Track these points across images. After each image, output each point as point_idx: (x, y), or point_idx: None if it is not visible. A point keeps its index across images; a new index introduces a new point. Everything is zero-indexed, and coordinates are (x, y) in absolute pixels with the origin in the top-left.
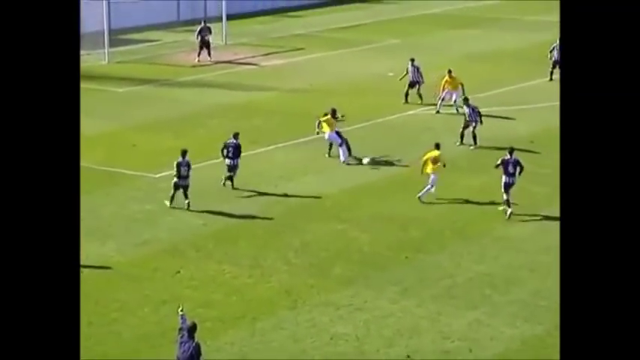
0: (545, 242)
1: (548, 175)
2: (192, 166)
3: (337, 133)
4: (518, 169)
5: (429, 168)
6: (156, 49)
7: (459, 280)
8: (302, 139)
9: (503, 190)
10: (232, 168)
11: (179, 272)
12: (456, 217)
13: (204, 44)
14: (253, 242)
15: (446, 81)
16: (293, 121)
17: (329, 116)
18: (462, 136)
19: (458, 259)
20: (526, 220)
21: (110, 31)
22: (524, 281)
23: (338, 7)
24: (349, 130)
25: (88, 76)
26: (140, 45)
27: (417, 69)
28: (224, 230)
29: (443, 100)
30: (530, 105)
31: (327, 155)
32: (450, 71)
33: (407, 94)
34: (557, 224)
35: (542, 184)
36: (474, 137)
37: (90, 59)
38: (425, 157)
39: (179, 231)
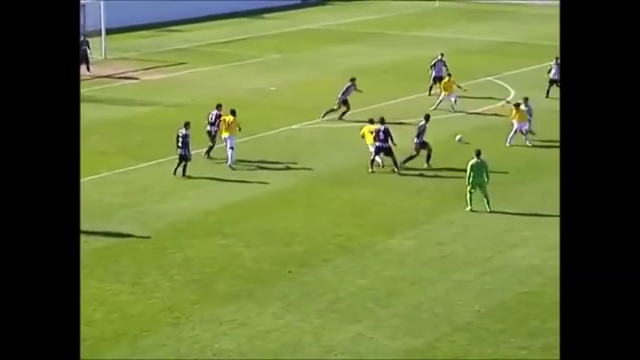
0: (425, 256)
1: (428, 188)
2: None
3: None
4: (389, 138)
5: (368, 139)
6: None
7: (341, 294)
8: None
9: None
10: (184, 158)
11: None
12: (339, 232)
13: (83, 58)
14: (135, 259)
15: (445, 84)
16: (175, 136)
17: (231, 117)
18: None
19: (341, 273)
20: (407, 235)
21: None
22: (406, 294)
23: (220, 22)
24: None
25: None
26: None
27: (445, 64)
28: (105, 247)
29: (440, 102)
30: (410, 119)
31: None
32: (449, 75)
33: (431, 88)
34: (437, 238)
35: (423, 198)
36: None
37: None
38: (363, 130)
39: None
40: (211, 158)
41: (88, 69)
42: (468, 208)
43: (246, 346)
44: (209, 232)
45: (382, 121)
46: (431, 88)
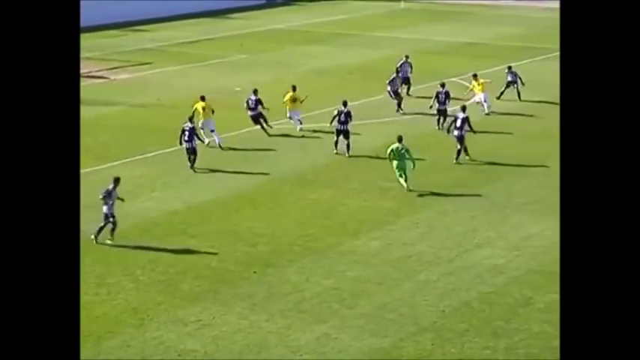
0: (390, 256)
1: (393, 189)
2: None
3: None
4: (349, 119)
5: (289, 106)
6: None
7: (307, 294)
8: (149, 154)
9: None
10: (191, 151)
11: None
12: (304, 232)
13: None
14: (99, 260)
15: (474, 85)
16: (140, 135)
17: (202, 102)
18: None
19: (306, 273)
20: (373, 235)
21: None
22: (371, 294)
23: (185, 22)
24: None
25: None
26: None
27: (410, 65)
28: None
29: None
30: (374, 120)
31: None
32: (475, 75)
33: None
34: (402, 238)
35: (388, 198)
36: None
37: None
38: (285, 98)
39: None
40: (270, 136)
41: None
42: (405, 188)
43: (211, 347)
44: (174, 232)
45: (345, 104)
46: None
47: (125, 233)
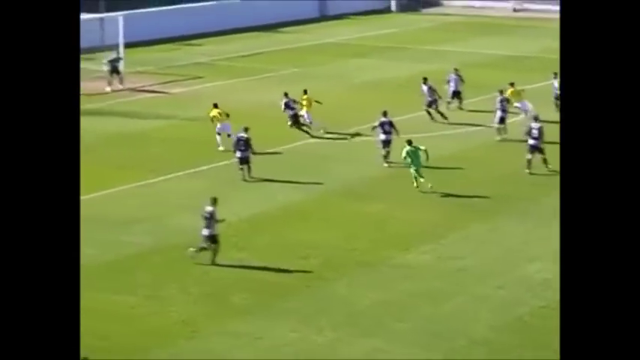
0: (441, 269)
1: (444, 202)
2: (91, 196)
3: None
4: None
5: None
6: None
7: (357, 307)
8: (201, 168)
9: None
10: (244, 160)
11: None
12: (354, 245)
13: (115, 71)
14: (151, 272)
15: (511, 93)
16: (192, 149)
17: (216, 109)
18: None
19: (356, 286)
20: (423, 248)
21: None
22: (422, 308)
23: (237, 36)
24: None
25: None
26: None
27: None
28: (121, 260)
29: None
30: (425, 133)
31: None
32: (512, 83)
33: (449, 103)
34: (452, 251)
35: (439, 211)
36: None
37: None
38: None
39: None
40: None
41: (121, 82)
42: (415, 185)
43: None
44: (225, 245)
45: (385, 114)
46: (449, 103)
47: (176, 246)
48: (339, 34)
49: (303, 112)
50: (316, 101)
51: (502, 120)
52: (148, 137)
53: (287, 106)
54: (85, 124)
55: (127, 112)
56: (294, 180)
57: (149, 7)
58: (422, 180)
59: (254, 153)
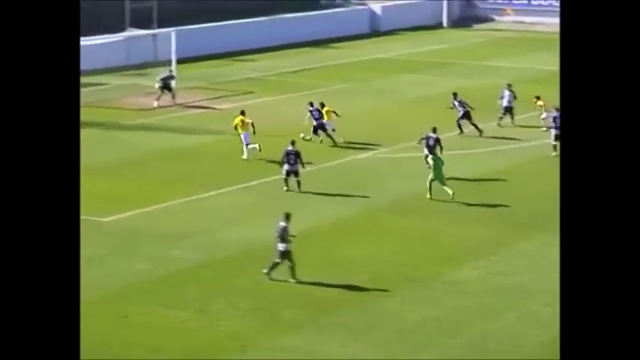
0: (492, 286)
1: (494, 218)
2: (142, 211)
3: (247, 134)
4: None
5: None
6: (104, 93)
7: (407, 324)
8: (251, 183)
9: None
10: (294, 173)
11: (126, 317)
12: (404, 261)
13: (167, 88)
14: (201, 286)
15: (540, 105)
16: (242, 164)
17: (241, 117)
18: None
19: (406, 302)
20: (473, 265)
21: None
22: (472, 324)
23: (288, 52)
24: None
25: None
26: (88, 89)
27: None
28: (171, 275)
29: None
30: (475, 150)
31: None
32: (538, 97)
33: (501, 119)
34: (503, 268)
35: (489, 227)
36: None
37: None
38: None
39: (126, 275)
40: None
41: (173, 97)
42: (428, 196)
43: None
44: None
45: (434, 130)
46: (501, 119)
47: (226, 260)
48: (390, 49)
49: (323, 121)
50: (334, 112)
51: (557, 137)
52: (198, 152)
53: (312, 115)
54: (136, 139)
55: (178, 128)
56: (342, 194)
57: (201, 23)
58: (446, 189)
59: (303, 166)
